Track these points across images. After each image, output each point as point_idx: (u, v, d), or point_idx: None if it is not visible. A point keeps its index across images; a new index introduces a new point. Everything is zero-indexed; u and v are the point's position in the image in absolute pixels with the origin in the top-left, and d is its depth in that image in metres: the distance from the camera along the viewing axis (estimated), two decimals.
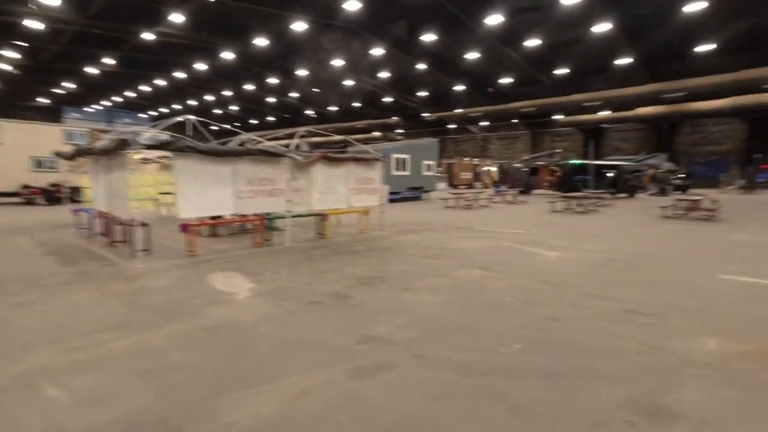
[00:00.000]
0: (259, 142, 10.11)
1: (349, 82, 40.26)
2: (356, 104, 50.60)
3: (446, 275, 6.22)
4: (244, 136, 10.60)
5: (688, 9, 24.54)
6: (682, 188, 28.38)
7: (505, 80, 40.04)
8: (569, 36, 29.40)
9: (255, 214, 8.59)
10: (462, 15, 25.30)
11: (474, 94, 42.77)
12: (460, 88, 41.41)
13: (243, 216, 8.60)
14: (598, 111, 39.64)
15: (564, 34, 29.18)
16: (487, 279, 6.01)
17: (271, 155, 8.28)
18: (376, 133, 55.41)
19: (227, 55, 32.38)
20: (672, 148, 39.85)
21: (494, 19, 24.96)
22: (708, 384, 3.01)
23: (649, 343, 3.73)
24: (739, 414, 2.65)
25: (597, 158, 26.93)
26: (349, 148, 16.26)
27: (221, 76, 40.80)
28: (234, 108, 56.26)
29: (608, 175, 25.41)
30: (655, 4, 24.08)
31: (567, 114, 41.98)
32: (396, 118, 52.81)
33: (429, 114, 50.09)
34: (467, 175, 36.62)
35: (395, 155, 21.09)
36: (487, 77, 40.07)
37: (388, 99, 47.30)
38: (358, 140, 12.92)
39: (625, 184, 25.15)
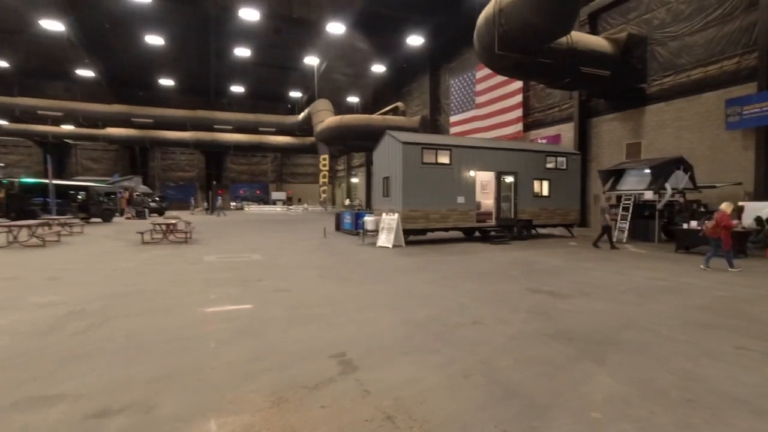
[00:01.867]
0: None
1: None
2: None
3: None
4: None
5: (150, 41, 25.44)
6: (159, 211, 29.19)
7: None
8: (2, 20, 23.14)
9: None
10: None
11: None
12: None
13: None
14: (61, 123, 34.25)
15: None
16: None
17: None
18: None
19: None
20: (147, 172, 40.87)
21: None
22: None
23: None
24: None
25: (62, 177, 22.67)
26: None
27: None
28: None
29: (78, 197, 22.00)
30: (113, 24, 23.08)
31: (16, 120, 33.46)
32: None
33: None
34: None
35: None
36: None
37: None
38: None
39: (99, 208, 22.66)
